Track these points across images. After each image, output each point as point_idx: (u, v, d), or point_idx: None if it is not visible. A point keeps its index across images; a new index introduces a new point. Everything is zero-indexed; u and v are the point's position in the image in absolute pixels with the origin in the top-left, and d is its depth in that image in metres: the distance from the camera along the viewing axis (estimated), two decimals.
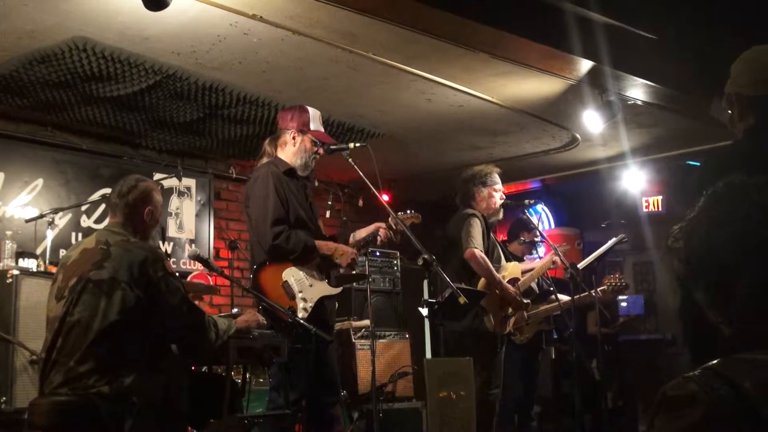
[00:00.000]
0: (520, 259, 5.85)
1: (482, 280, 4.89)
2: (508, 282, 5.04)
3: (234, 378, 3.85)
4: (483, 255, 4.86)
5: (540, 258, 6.28)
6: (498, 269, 5.02)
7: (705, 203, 1.39)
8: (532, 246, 6.14)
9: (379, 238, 4.23)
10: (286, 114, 4.26)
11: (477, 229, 4.91)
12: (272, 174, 4.02)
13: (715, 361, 1.25)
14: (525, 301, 5.12)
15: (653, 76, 5.46)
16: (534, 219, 6.81)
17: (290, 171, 4.13)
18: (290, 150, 4.17)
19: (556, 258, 5.34)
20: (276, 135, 4.27)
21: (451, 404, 3.76)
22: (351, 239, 4.25)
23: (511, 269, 5.21)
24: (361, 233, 4.26)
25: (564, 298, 5.45)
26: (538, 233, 5.90)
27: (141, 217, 3.36)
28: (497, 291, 4.92)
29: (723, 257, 1.33)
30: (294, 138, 4.16)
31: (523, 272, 5.36)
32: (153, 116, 6.07)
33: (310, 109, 4.21)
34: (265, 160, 4.22)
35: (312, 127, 4.17)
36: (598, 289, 5.59)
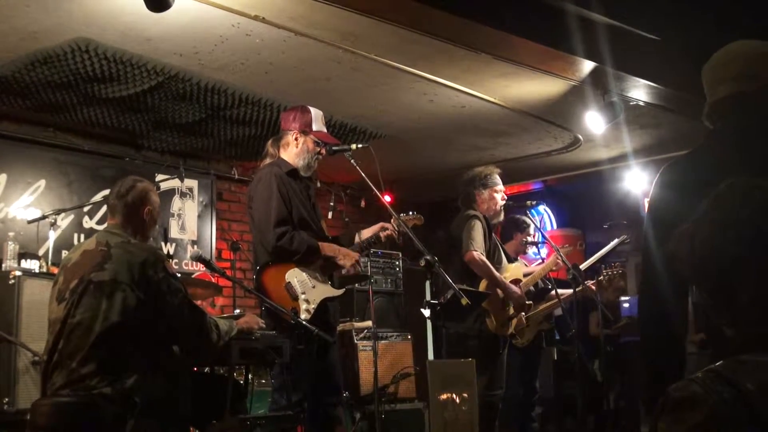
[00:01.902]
0: (514, 259, 5.83)
1: (484, 282, 4.89)
2: (510, 283, 5.03)
3: (236, 379, 3.85)
4: (482, 257, 4.85)
5: (539, 256, 6.27)
6: (499, 270, 5.02)
7: (708, 206, 1.38)
8: (532, 246, 6.12)
9: (382, 235, 4.22)
10: (288, 115, 4.25)
11: (478, 230, 4.90)
12: (275, 175, 4.01)
13: (718, 363, 1.25)
14: (527, 302, 5.12)
15: (655, 77, 5.45)
16: (536, 219, 6.79)
17: (293, 172, 4.12)
18: (293, 151, 4.16)
19: (559, 261, 5.33)
20: (278, 136, 4.26)
21: (454, 406, 3.75)
22: (356, 238, 4.25)
23: (512, 270, 5.21)
24: (366, 233, 4.26)
25: (564, 292, 5.44)
26: (531, 233, 5.88)
27: (140, 217, 3.36)
28: (500, 292, 4.92)
29: (726, 259, 1.33)
30: (296, 139, 4.15)
31: (525, 275, 5.35)
32: (155, 117, 6.07)
33: (313, 110, 4.20)
34: (268, 161, 4.21)
35: (314, 127, 4.16)
36: (597, 278, 5.64)
